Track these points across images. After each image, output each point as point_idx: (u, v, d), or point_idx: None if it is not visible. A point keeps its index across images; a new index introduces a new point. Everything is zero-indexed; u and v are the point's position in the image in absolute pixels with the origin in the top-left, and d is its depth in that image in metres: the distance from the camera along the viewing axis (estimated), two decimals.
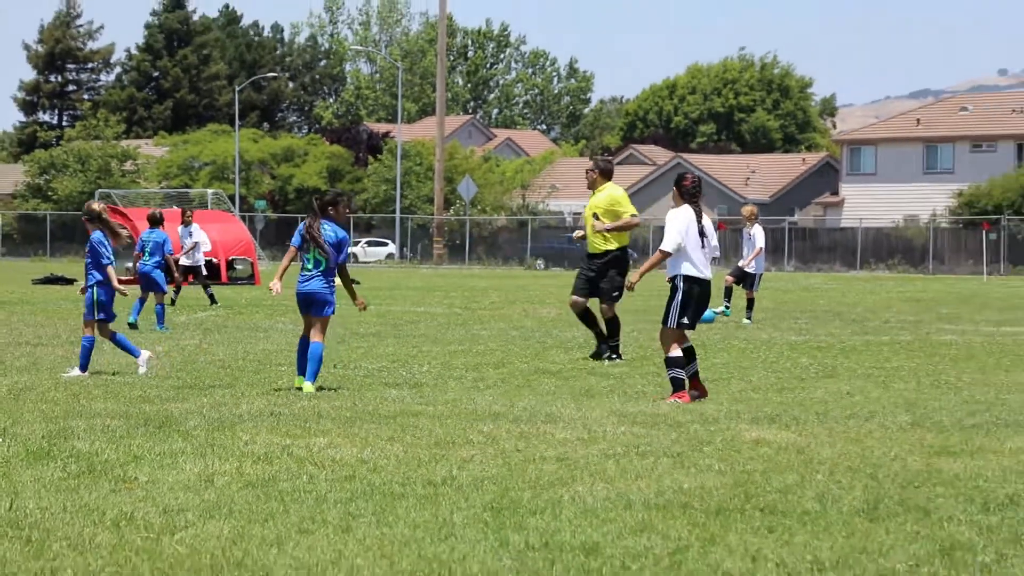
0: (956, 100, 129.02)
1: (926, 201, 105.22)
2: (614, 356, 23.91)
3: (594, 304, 24.26)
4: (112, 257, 21.13)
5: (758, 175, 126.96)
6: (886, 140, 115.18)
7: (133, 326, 29.95)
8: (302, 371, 19.09)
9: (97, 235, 21.06)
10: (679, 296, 17.85)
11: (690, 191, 18.13)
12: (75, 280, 58.88)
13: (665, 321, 18.00)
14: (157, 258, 31.68)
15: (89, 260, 21.08)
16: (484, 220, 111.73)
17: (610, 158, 25.45)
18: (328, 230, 19.05)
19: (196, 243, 41.91)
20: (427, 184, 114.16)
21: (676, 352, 17.91)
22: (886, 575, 9.02)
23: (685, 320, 17.87)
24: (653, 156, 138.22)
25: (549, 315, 37.67)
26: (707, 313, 35.14)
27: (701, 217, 18.04)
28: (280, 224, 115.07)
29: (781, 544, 9.83)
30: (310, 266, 19.09)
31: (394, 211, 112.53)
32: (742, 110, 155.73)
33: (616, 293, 23.99)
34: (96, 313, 20.79)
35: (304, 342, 19.21)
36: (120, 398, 17.95)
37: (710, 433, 15.04)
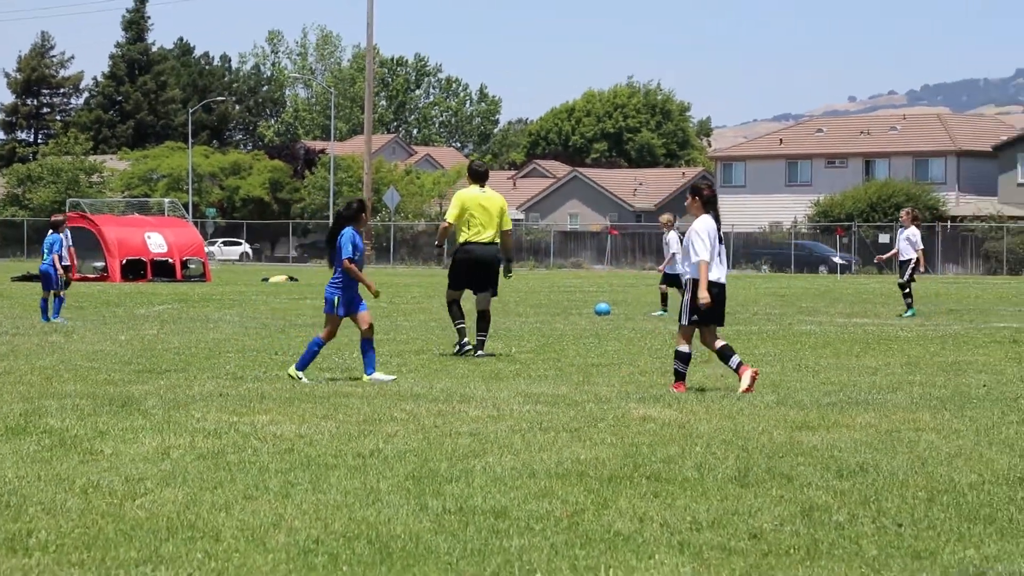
0: (813, 123, 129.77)
1: (788, 210, 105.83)
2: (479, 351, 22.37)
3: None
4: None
5: (644, 187, 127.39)
6: (753, 157, 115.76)
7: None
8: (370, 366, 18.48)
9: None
10: (689, 296, 17.02)
11: (710, 199, 17.29)
12: None
13: (680, 319, 17.22)
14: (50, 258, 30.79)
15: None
16: (407, 225, 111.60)
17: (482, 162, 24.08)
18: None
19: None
20: (357, 194, 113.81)
21: (685, 347, 17.11)
22: (755, 533, 9.04)
23: (695, 318, 16.96)
24: (553, 170, 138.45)
25: (463, 308, 37.60)
26: (603, 306, 35.40)
27: (720, 224, 17.35)
28: (228, 229, 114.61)
29: (665, 507, 9.83)
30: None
31: (328, 217, 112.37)
32: (630, 130, 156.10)
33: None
34: None
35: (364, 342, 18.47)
36: (87, 381, 17.84)
37: (603, 411, 15.05)
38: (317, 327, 28.96)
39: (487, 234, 22.40)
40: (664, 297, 34.79)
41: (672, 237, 35.07)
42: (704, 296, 16.75)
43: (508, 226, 22.77)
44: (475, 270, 22.56)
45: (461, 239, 22.54)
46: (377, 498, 10.07)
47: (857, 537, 8.97)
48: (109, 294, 44.02)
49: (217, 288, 52.24)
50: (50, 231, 31.43)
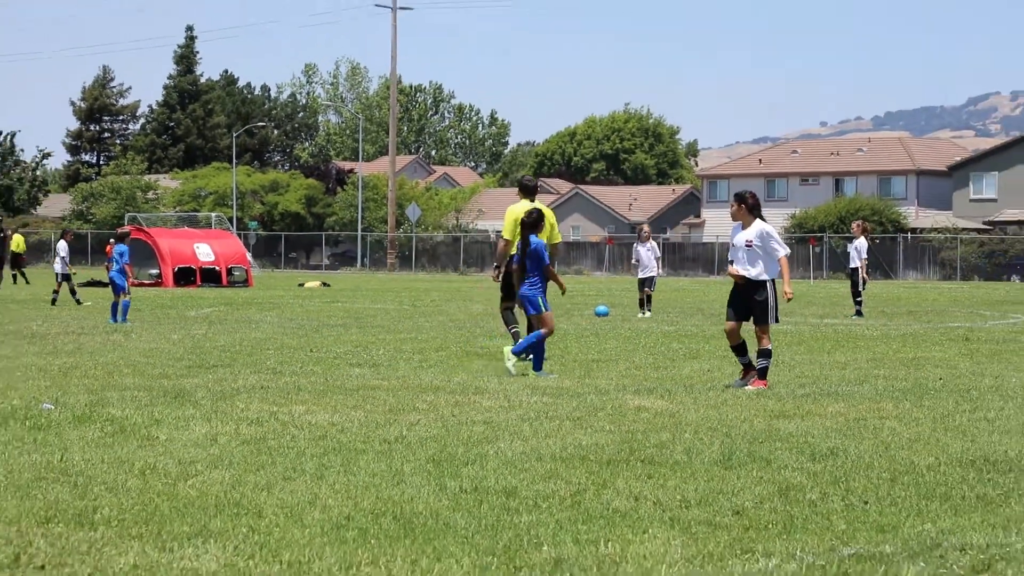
0: (788, 145, 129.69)
1: (767, 222, 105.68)
2: None
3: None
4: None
5: (638, 202, 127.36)
6: (736, 175, 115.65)
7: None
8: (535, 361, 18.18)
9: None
10: (772, 295, 16.51)
11: (755, 206, 16.79)
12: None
13: (774, 319, 16.49)
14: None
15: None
16: (427, 236, 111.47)
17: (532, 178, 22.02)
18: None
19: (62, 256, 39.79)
20: (382, 208, 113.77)
21: (768, 345, 16.57)
22: (738, 510, 9.04)
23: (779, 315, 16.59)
24: (557, 187, 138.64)
25: (478, 310, 37.64)
26: (602, 308, 35.38)
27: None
28: (268, 240, 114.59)
29: (657, 487, 9.84)
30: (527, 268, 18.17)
31: (356, 229, 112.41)
32: (626, 152, 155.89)
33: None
34: None
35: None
36: (144, 375, 17.86)
37: (603, 401, 15.06)
38: (347, 326, 28.95)
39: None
40: (642, 301, 34.90)
41: (650, 246, 35.40)
42: (789, 291, 16.88)
43: (557, 239, 21.03)
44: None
45: (513, 252, 20.32)
46: (401, 479, 10.08)
47: (828, 513, 8.98)
48: (163, 298, 44.06)
49: (259, 293, 52.24)
50: (117, 242, 31.51)
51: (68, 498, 9.29)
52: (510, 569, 7.44)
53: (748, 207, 16.79)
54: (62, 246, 39.96)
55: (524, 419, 13.48)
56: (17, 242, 59.25)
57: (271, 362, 20.05)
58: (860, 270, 35.03)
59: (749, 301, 16.63)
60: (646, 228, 37.63)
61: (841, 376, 18.50)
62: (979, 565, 7.57)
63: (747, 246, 16.59)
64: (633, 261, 36.27)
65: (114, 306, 30.19)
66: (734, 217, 17.07)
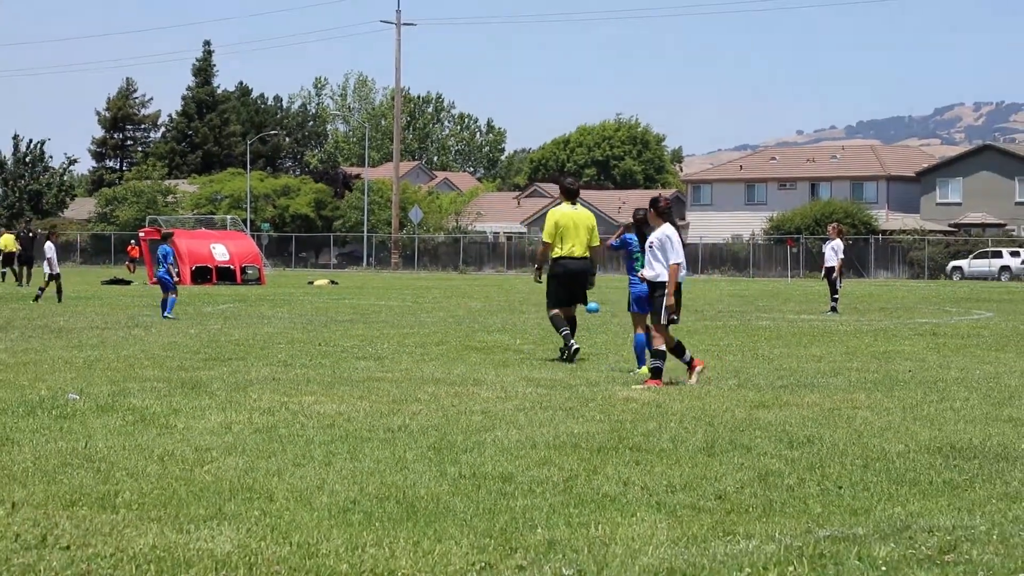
0: (767, 152, 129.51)
1: (747, 225, 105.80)
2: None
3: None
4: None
5: (627, 205, 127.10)
6: (718, 180, 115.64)
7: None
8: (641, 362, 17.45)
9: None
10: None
11: (665, 211, 16.21)
12: (132, 282, 58.54)
13: (665, 319, 15.80)
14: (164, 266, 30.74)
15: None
16: (428, 237, 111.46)
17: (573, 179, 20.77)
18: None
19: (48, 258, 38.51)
20: (386, 211, 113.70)
21: (663, 345, 15.85)
22: (720, 495, 9.03)
23: (675, 317, 15.84)
24: (551, 191, 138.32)
25: (476, 307, 37.64)
26: (593, 305, 35.35)
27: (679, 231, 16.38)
28: (280, 240, 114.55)
29: (645, 473, 9.83)
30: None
31: (362, 231, 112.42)
32: (615, 158, 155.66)
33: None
34: None
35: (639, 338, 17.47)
36: (163, 367, 17.84)
37: (593, 393, 15.05)
38: (353, 321, 28.93)
39: (579, 250, 19.63)
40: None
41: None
42: (670, 302, 15.79)
43: (596, 242, 19.90)
44: (571, 284, 19.76)
45: (555, 255, 19.64)
46: (404, 465, 10.06)
47: (805, 497, 8.97)
48: (181, 295, 43.94)
49: (271, 290, 52.23)
50: (160, 243, 31.56)
51: (91, 483, 9.28)
52: (506, 550, 7.43)
53: (658, 211, 16.23)
54: (49, 247, 38.55)
55: (520, 409, 13.47)
56: (6, 242, 57.73)
57: (282, 355, 20.03)
58: (836, 269, 35.05)
59: (653, 300, 16.08)
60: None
61: (817, 368, 18.49)
62: (946, 546, 7.57)
63: (649, 247, 16.11)
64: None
65: (163, 303, 30.28)
66: (649, 221, 16.62)
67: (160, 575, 6.97)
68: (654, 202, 16.42)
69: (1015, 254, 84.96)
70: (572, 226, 19.60)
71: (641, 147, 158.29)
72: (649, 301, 16.29)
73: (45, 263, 38.27)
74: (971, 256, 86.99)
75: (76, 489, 9.02)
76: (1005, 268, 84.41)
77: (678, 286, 15.99)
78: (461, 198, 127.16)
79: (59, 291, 38.09)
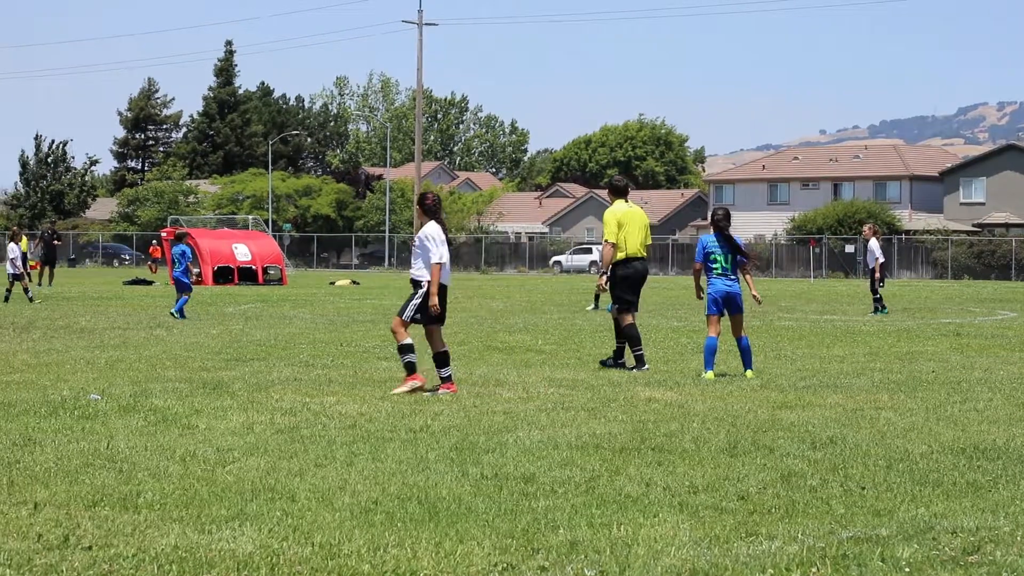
0: (789, 151, 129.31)
1: (770, 225, 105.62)
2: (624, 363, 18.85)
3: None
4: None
5: (648, 205, 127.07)
6: (740, 180, 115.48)
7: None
8: (747, 365, 17.14)
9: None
10: (420, 295, 15.26)
11: (431, 208, 15.47)
12: (153, 282, 58.68)
13: (401, 312, 15.33)
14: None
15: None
16: (450, 237, 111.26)
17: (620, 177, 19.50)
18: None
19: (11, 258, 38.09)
20: (408, 211, 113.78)
21: (407, 340, 15.06)
22: (742, 495, 9.02)
23: (418, 316, 15.10)
24: (573, 191, 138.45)
25: (498, 307, 37.64)
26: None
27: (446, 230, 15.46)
28: (301, 241, 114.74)
29: (667, 473, 9.82)
30: (725, 268, 17.23)
31: (384, 231, 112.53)
32: (638, 158, 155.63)
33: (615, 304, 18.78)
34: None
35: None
36: (185, 367, 17.88)
37: (615, 393, 15.04)
38: (375, 322, 28.95)
39: (641, 248, 18.53)
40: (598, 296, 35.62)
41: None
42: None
43: (649, 240, 18.84)
44: (638, 285, 18.63)
45: (620, 256, 18.42)
46: (426, 466, 10.07)
47: (828, 498, 8.95)
48: (203, 296, 44.08)
49: (292, 290, 52.29)
50: (175, 243, 31.51)
51: (113, 483, 9.30)
52: (528, 551, 7.43)
53: (424, 208, 15.56)
54: (12, 248, 38.07)
55: (541, 409, 13.47)
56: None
57: (304, 355, 20.06)
58: (876, 269, 34.95)
59: (410, 298, 15.38)
60: None
61: (840, 369, 18.45)
62: (969, 547, 7.55)
63: (413, 245, 15.45)
64: None
65: (177, 302, 30.36)
66: (418, 217, 15.86)
67: (182, 575, 6.99)
68: (421, 199, 15.62)
69: None
70: (632, 223, 18.56)
71: (664, 147, 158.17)
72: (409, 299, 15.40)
73: (9, 264, 38.13)
74: None
75: (98, 489, 9.05)
76: None
77: (443, 287, 15.32)
78: (482, 198, 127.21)
79: (26, 290, 37.83)
